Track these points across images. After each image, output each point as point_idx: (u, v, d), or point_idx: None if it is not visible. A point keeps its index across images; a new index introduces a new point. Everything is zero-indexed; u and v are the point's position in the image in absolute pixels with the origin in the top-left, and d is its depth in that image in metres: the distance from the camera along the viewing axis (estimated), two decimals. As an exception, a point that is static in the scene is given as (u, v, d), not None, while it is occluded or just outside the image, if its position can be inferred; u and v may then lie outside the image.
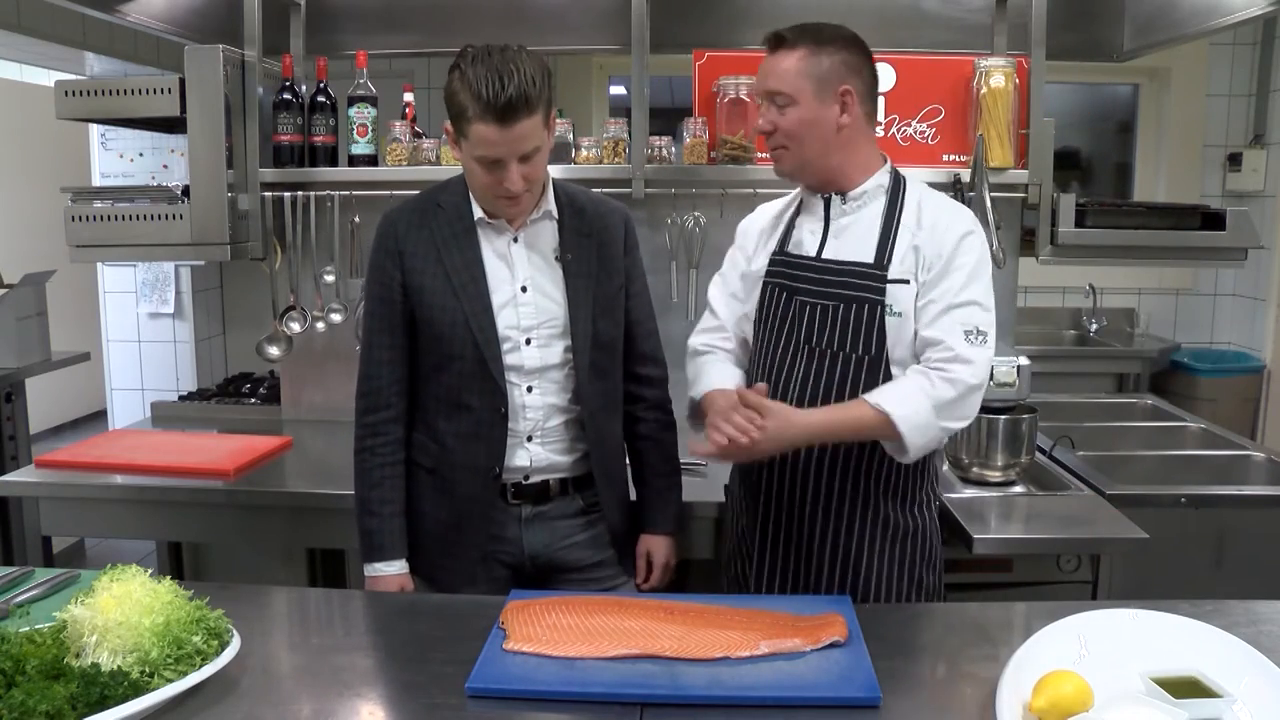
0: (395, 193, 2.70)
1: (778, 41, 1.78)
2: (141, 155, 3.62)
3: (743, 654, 1.40)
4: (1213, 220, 2.83)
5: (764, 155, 2.74)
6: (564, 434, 1.91)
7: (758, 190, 2.75)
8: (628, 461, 2.04)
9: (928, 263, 1.76)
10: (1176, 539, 2.30)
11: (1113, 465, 2.55)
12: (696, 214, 2.81)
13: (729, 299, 2.00)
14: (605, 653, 1.40)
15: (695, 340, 2.02)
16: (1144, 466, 2.70)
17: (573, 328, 1.86)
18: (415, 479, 1.92)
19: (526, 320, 1.85)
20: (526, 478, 1.90)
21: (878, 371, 1.77)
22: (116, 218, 2.74)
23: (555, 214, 1.88)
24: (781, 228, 1.91)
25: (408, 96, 2.97)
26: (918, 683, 1.37)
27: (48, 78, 3.77)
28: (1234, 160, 4.76)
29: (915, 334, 1.76)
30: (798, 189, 1.93)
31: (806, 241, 1.85)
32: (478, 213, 1.85)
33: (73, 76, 3.58)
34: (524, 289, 1.86)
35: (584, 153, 2.78)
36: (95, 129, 3.61)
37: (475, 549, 1.90)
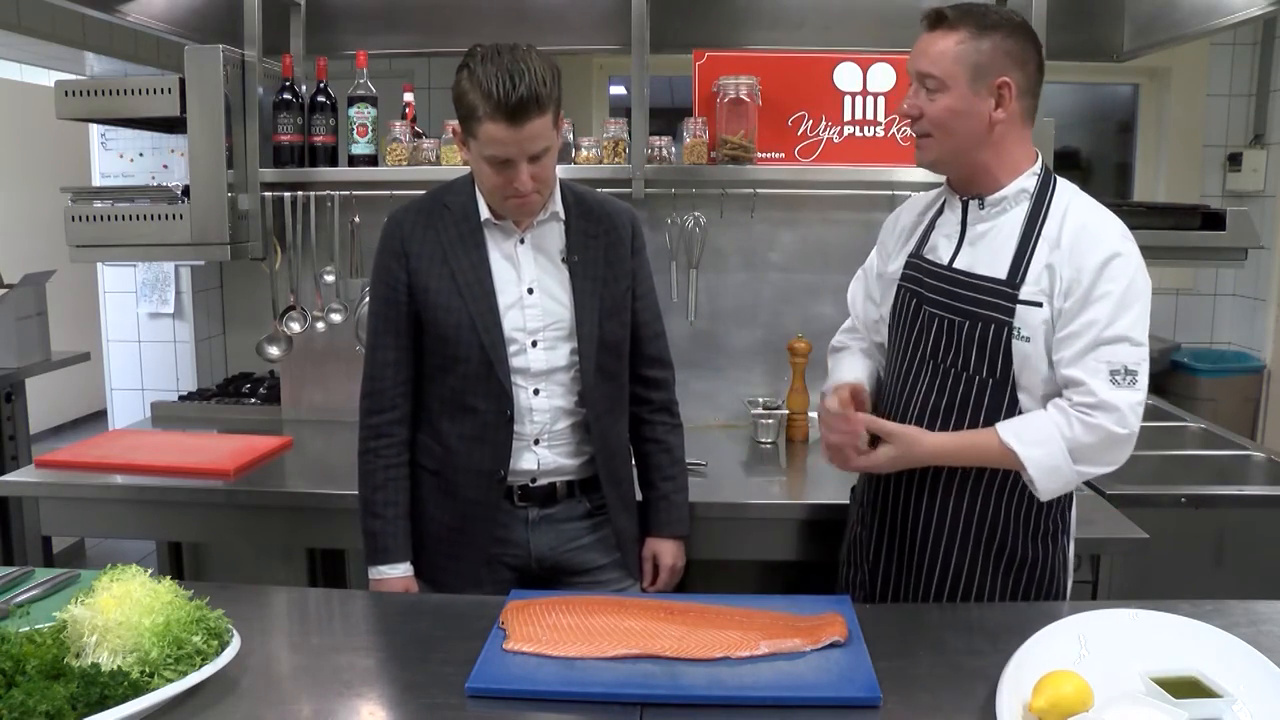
0: (395, 193, 2.71)
1: (937, 20, 1.63)
2: (141, 155, 3.62)
3: (743, 654, 1.40)
4: (1213, 220, 2.83)
5: (764, 156, 2.75)
6: (571, 437, 1.90)
7: (757, 190, 2.76)
8: (634, 463, 2.03)
9: (1065, 287, 1.59)
10: (1176, 539, 2.30)
11: (1113, 465, 2.55)
12: (696, 214, 2.81)
13: (865, 300, 1.93)
14: (605, 653, 1.40)
15: (835, 339, 1.99)
16: (1144, 466, 2.69)
17: (579, 330, 1.85)
18: (419, 481, 1.92)
19: (533, 322, 1.84)
20: (534, 481, 1.89)
21: (1003, 395, 1.65)
22: (116, 218, 2.74)
23: (562, 215, 1.88)
24: (923, 227, 1.80)
25: (408, 96, 2.97)
26: (918, 683, 1.37)
27: (48, 78, 3.77)
28: (1234, 160, 4.76)
29: (1049, 363, 1.62)
30: (943, 185, 1.79)
31: (941, 247, 1.73)
32: (484, 213, 1.84)
33: (73, 76, 3.58)
34: (530, 291, 1.85)
35: (584, 153, 2.78)
36: (95, 129, 3.61)
37: (479, 551, 1.89)
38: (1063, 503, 1.73)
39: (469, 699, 1.32)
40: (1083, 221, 1.64)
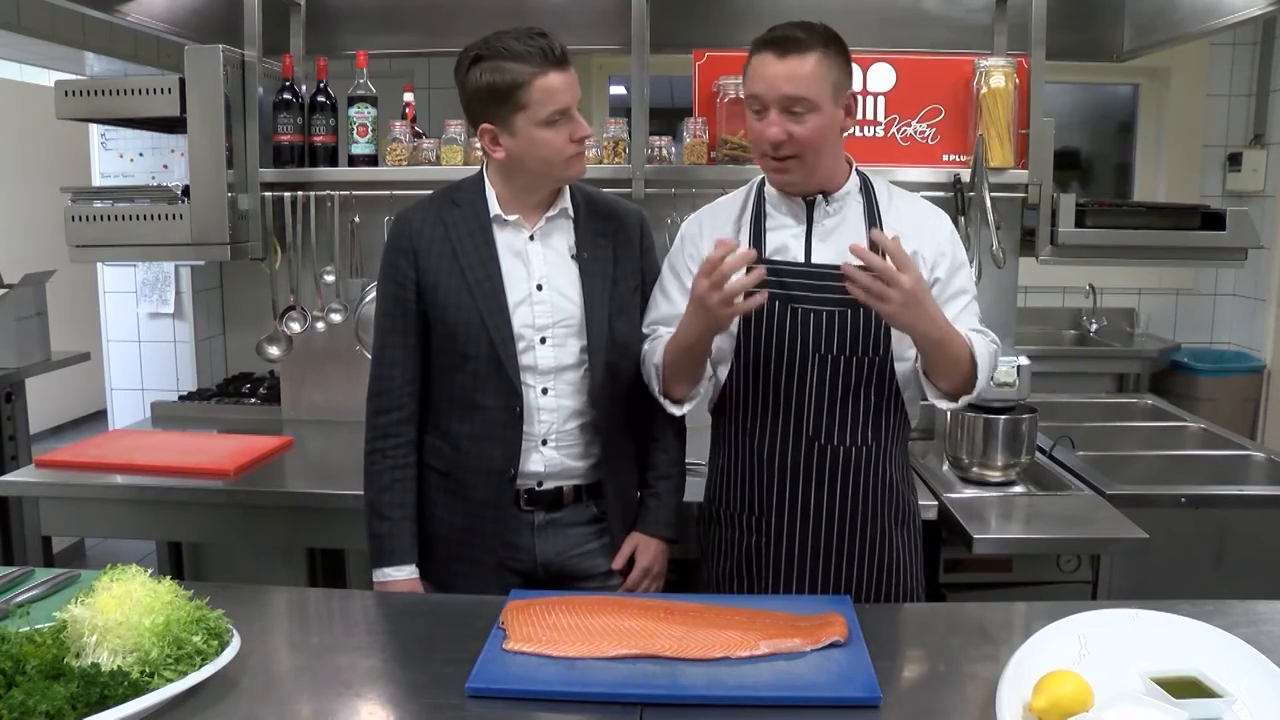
0: (395, 193, 2.71)
1: (791, 43, 1.67)
2: (141, 155, 3.62)
3: (743, 654, 1.40)
4: (1213, 220, 2.83)
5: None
6: (579, 438, 1.89)
7: (758, 190, 2.76)
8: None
9: (931, 262, 1.78)
10: (1176, 539, 2.30)
11: (1113, 465, 2.55)
12: (696, 214, 2.81)
13: (677, 318, 1.80)
14: (605, 653, 1.40)
15: (645, 366, 1.88)
16: (1144, 466, 2.70)
17: (589, 327, 1.85)
18: (427, 483, 1.91)
19: (542, 319, 1.84)
20: (540, 484, 1.89)
21: (885, 368, 1.78)
22: (116, 218, 2.74)
23: (571, 212, 1.88)
24: (747, 232, 1.83)
25: (408, 96, 2.97)
26: (918, 683, 1.37)
27: (48, 78, 3.76)
28: (1234, 160, 4.76)
29: None
30: (743, 188, 1.89)
31: (791, 246, 1.80)
32: (494, 210, 1.84)
33: (73, 76, 3.58)
34: (540, 287, 1.84)
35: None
36: (95, 129, 3.61)
37: (489, 554, 1.88)
38: (910, 484, 1.93)
39: (469, 699, 1.32)
40: (915, 207, 1.85)
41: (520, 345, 1.83)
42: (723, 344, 1.82)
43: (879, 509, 1.84)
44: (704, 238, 1.86)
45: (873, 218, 1.79)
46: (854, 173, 1.83)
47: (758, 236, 1.82)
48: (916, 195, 1.89)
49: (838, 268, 1.69)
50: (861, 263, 1.58)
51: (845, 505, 1.82)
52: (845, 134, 1.79)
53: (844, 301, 1.73)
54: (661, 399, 1.86)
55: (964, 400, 1.78)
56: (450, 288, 1.82)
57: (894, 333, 1.74)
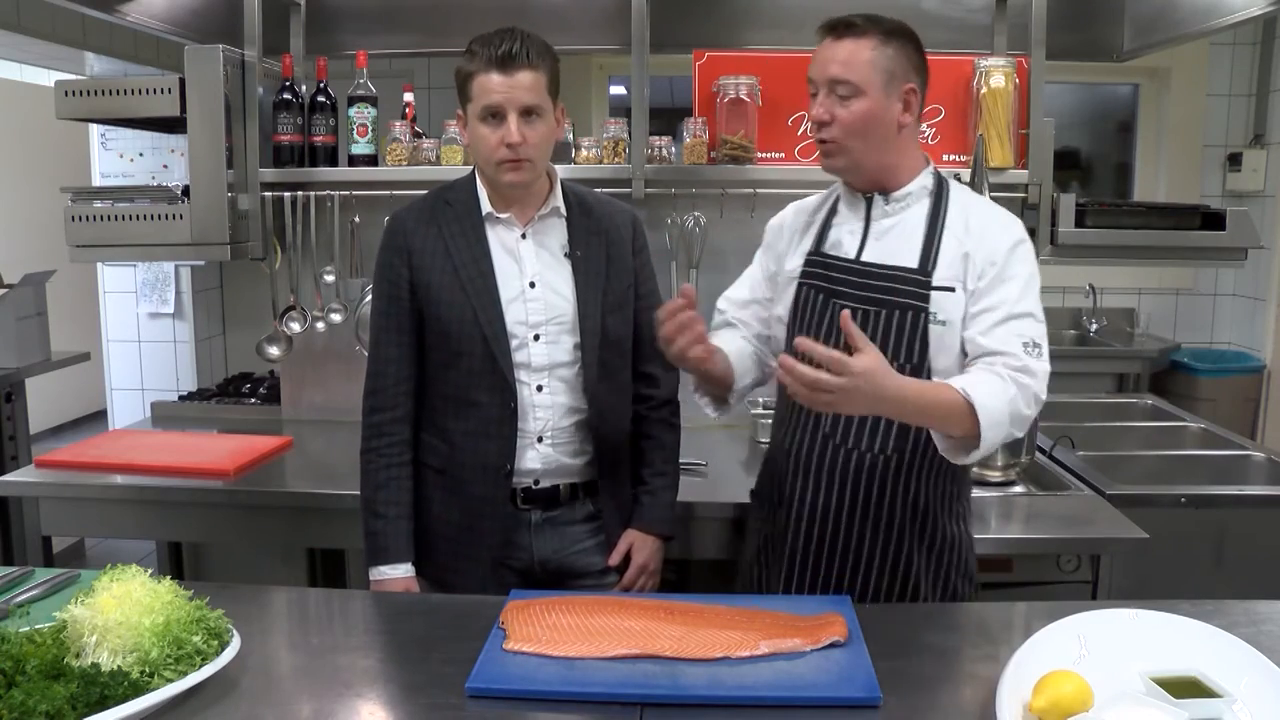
0: (395, 193, 2.71)
1: (845, 28, 1.68)
2: (141, 155, 3.62)
3: (743, 654, 1.40)
4: (1213, 220, 2.83)
5: (764, 155, 2.75)
6: (574, 435, 1.90)
7: (757, 190, 2.76)
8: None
9: (979, 270, 1.68)
10: (1176, 539, 2.30)
11: (1113, 465, 2.55)
12: (696, 214, 2.81)
13: (749, 304, 1.92)
14: (605, 653, 1.40)
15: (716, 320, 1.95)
16: (1144, 466, 2.70)
17: (582, 324, 1.86)
18: (425, 481, 1.92)
19: (535, 316, 1.85)
20: (536, 482, 1.90)
21: (919, 379, 1.67)
22: (116, 218, 2.74)
23: (564, 211, 1.89)
24: (816, 226, 1.83)
25: (408, 96, 2.97)
26: (918, 683, 1.37)
27: (48, 78, 3.77)
28: (1234, 160, 4.76)
29: (962, 342, 1.68)
30: (833, 185, 1.85)
31: (845, 242, 1.77)
32: (486, 208, 1.86)
33: (73, 76, 3.58)
34: (532, 284, 1.86)
35: (584, 153, 2.78)
36: (95, 129, 3.61)
37: (486, 552, 1.89)
38: (966, 486, 1.85)
39: (469, 699, 1.32)
40: (987, 212, 1.75)
41: (514, 342, 1.84)
42: (777, 332, 1.85)
43: (895, 523, 1.76)
44: (784, 230, 1.89)
45: (936, 219, 1.73)
46: (927, 174, 1.76)
47: (824, 230, 1.81)
48: (1000, 208, 1.78)
49: (885, 267, 1.70)
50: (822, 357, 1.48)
51: (855, 511, 1.76)
52: (904, 131, 1.72)
53: (884, 302, 1.70)
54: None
55: (975, 455, 1.62)
56: (443, 285, 1.83)
57: (932, 344, 1.68)
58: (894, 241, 1.73)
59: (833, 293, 1.75)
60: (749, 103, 2.70)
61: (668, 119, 3.76)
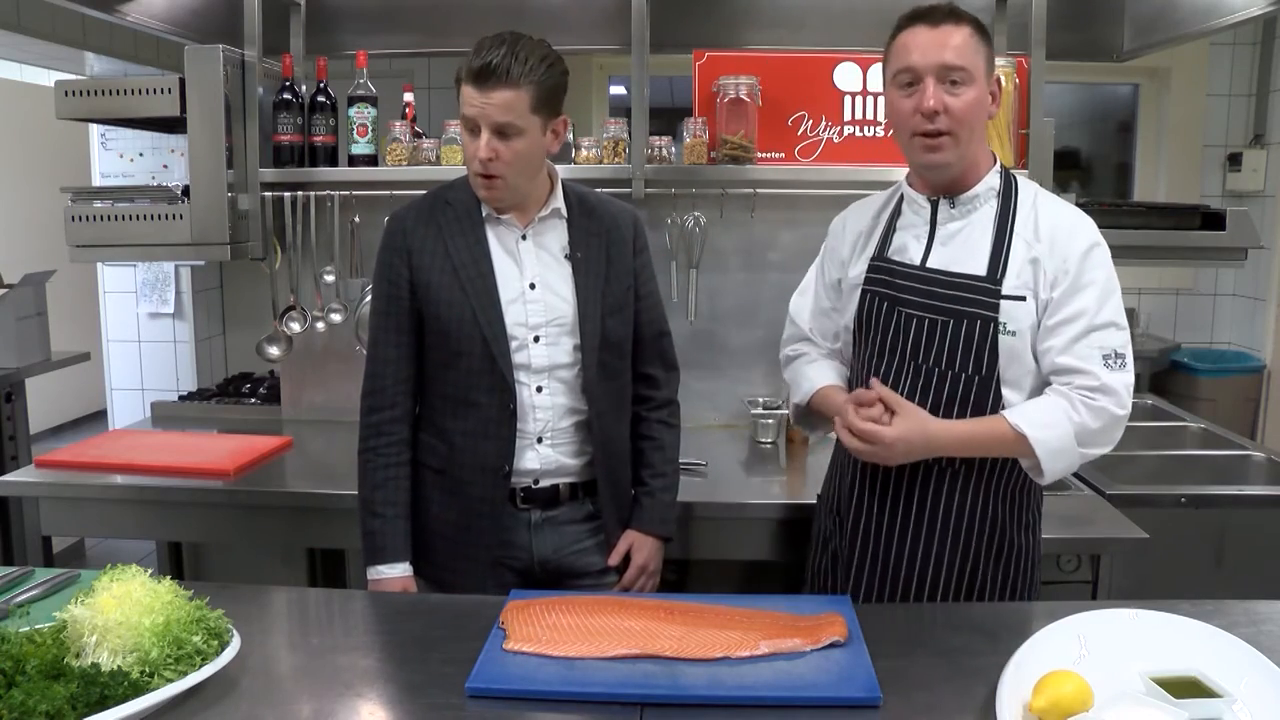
0: (395, 193, 2.71)
1: (944, 14, 1.62)
2: (141, 155, 3.62)
3: (743, 654, 1.40)
4: (1213, 220, 2.83)
5: (764, 156, 2.75)
6: (574, 436, 1.90)
7: (757, 190, 2.76)
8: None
9: (1051, 278, 1.62)
10: (1176, 539, 2.30)
11: (1113, 465, 2.55)
12: (696, 214, 2.81)
13: (817, 314, 1.88)
14: (605, 653, 1.40)
15: (784, 350, 1.94)
16: (1144, 466, 2.70)
17: (581, 325, 1.85)
18: (423, 481, 1.92)
19: (534, 317, 1.85)
20: (536, 481, 1.89)
21: (988, 392, 1.64)
22: (116, 218, 2.74)
23: (564, 212, 1.89)
24: (880, 229, 1.77)
25: (408, 96, 2.97)
26: (918, 683, 1.37)
27: (48, 78, 3.77)
28: (1234, 160, 4.76)
29: (1036, 354, 1.64)
30: (896, 185, 1.79)
31: (911, 248, 1.70)
32: (486, 208, 1.85)
33: (73, 76, 3.58)
34: (532, 286, 1.85)
35: (584, 153, 2.78)
36: (95, 129, 3.61)
37: (485, 552, 1.88)
38: (1038, 494, 1.77)
39: (469, 699, 1.31)
40: (1057, 214, 1.67)
41: (514, 344, 1.83)
42: (846, 338, 1.82)
43: (962, 534, 1.71)
44: (846, 233, 1.84)
45: (1005, 223, 1.65)
46: (995, 173, 1.69)
47: (888, 234, 1.75)
48: (1072, 208, 1.70)
49: (951, 275, 1.65)
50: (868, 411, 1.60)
51: (923, 523, 1.71)
52: (989, 121, 1.70)
53: (951, 311, 1.65)
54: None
55: (1050, 478, 1.64)
56: (443, 285, 1.83)
57: (1002, 355, 1.63)
58: (960, 247, 1.67)
59: (898, 300, 1.69)
60: (749, 103, 2.70)
61: (668, 119, 3.76)
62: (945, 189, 1.70)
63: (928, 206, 1.71)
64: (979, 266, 1.65)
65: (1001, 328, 1.63)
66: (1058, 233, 1.64)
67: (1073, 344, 1.61)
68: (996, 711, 1.21)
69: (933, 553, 1.73)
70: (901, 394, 1.66)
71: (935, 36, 1.61)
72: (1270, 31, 4.64)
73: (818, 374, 1.84)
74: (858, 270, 1.78)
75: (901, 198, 1.77)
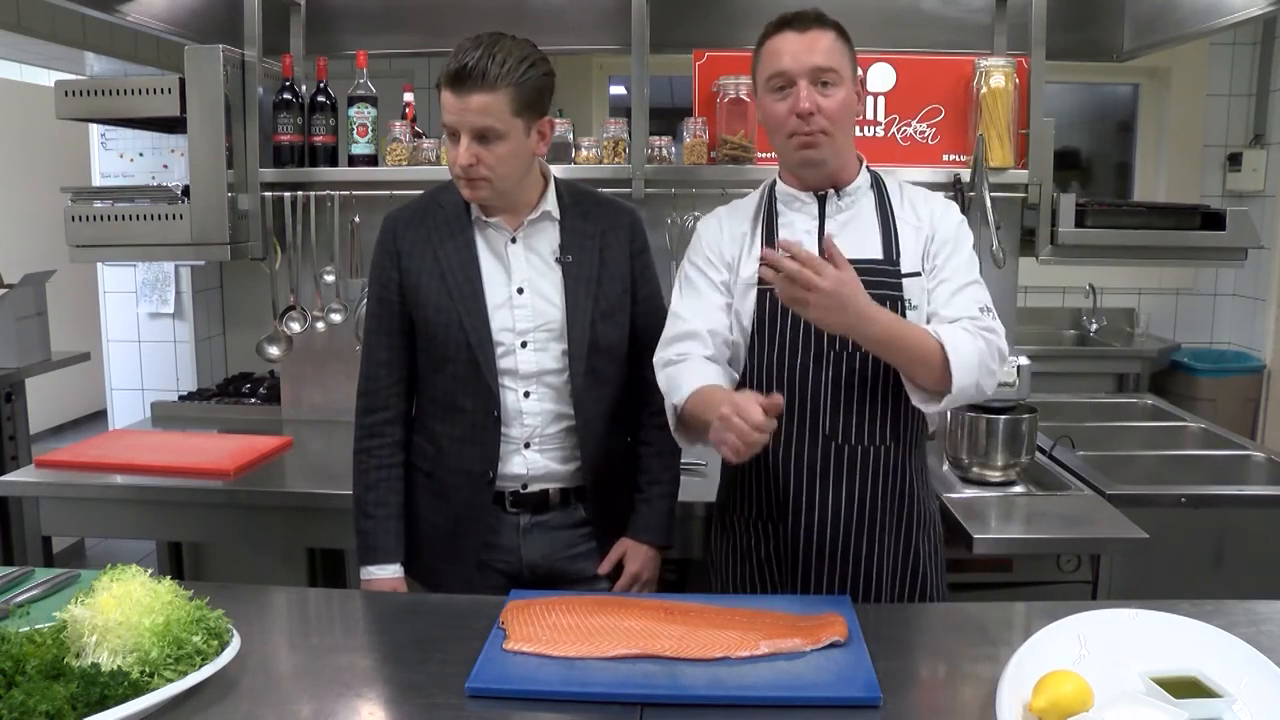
0: (395, 193, 2.70)
1: (810, 20, 1.70)
2: (141, 155, 3.62)
3: (743, 654, 1.40)
4: (1213, 220, 2.83)
5: (764, 156, 2.74)
6: (563, 441, 1.87)
7: (758, 190, 2.76)
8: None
9: (935, 248, 1.75)
10: (1176, 539, 2.30)
11: (1113, 465, 2.55)
12: (696, 214, 2.80)
13: (710, 309, 1.78)
14: (605, 653, 1.40)
15: (660, 354, 1.79)
16: (1144, 466, 2.70)
17: (570, 331, 1.83)
18: (413, 482, 1.91)
19: (522, 323, 1.83)
20: (524, 486, 1.88)
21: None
22: (116, 218, 2.74)
23: (556, 215, 1.86)
24: (760, 230, 1.80)
25: (408, 96, 2.97)
26: (918, 683, 1.37)
27: (48, 78, 3.77)
28: (1234, 160, 4.76)
29: (929, 319, 1.71)
30: (756, 191, 1.85)
31: (804, 241, 1.68)
32: (475, 211, 1.83)
33: (73, 76, 3.58)
34: (520, 291, 1.83)
35: (584, 153, 2.78)
36: (95, 129, 3.61)
37: (471, 554, 1.88)
38: (926, 466, 1.88)
39: (469, 699, 1.32)
40: (925, 197, 1.82)
41: (500, 349, 1.81)
42: (737, 343, 1.78)
43: (901, 512, 1.78)
44: (723, 235, 1.82)
45: (885, 211, 1.77)
46: (864, 169, 1.81)
47: (770, 235, 1.78)
48: (926, 190, 1.85)
49: (853, 261, 1.62)
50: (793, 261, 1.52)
51: (864, 507, 1.76)
52: (855, 119, 1.79)
53: None
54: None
55: (946, 401, 1.65)
56: (430, 289, 1.81)
57: None
58: (851, 236, 1.74)
59: None
60: (749, 103, 2.70)
61: (668, 119, 3.76)
62: (821, 185, 1.77)
63: (814, 201, 1.78)
64: (873, 251, 1.74)
65: (907, 304, 1.72)
66: (935, 211, 1.79)
67: (953, 297, 1.72)
68: (996, 711, 1.21)
69: (877, 536, 1.78)
70: (824, 380, 1.73)
71: (804, 41, 1.68)
72: (1270, 31, 4.64)
73: (696, 374, 1.71)
74: (751, 270, 1.76)
75: (774, 199, 1.81)
